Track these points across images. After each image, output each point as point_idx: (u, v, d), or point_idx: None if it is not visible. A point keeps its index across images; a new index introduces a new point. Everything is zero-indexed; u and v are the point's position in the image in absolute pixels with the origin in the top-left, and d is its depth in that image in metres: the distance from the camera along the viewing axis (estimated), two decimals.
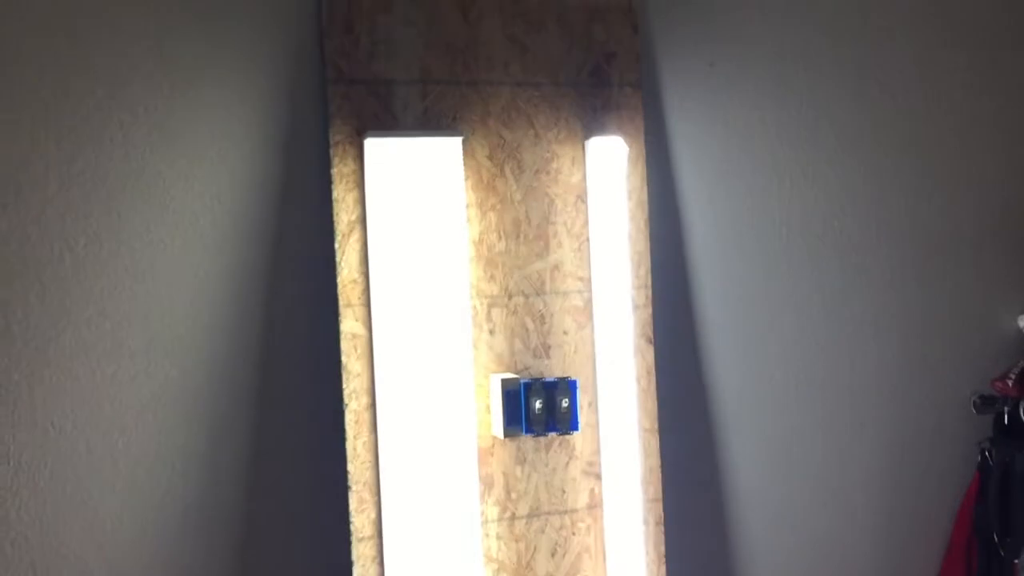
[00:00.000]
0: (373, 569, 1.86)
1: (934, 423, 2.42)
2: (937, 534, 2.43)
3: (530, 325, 1.99)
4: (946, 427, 2.42)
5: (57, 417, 1.78)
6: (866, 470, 2.37)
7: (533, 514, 1.98)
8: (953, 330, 2.43)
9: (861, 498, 2.37)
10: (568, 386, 1.93)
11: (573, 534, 2.01)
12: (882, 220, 2.34)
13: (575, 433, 1.97)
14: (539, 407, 1.91)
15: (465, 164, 1.93)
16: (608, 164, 2.01)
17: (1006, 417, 2.33)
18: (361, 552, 1.85)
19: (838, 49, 2.28)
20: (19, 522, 1.77)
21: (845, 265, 2.31)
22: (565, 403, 1.93)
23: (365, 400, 1.86)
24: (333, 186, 1.85)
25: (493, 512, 1.96)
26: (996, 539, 2.33)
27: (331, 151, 1.84)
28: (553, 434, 1.94)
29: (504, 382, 1.91)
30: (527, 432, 1.91)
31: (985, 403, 2.35)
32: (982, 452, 2.38)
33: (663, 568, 2.06)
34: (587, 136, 2.01)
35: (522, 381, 1.92)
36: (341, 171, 1.85)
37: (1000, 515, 2.32)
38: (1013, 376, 2.31)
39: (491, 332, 1.96)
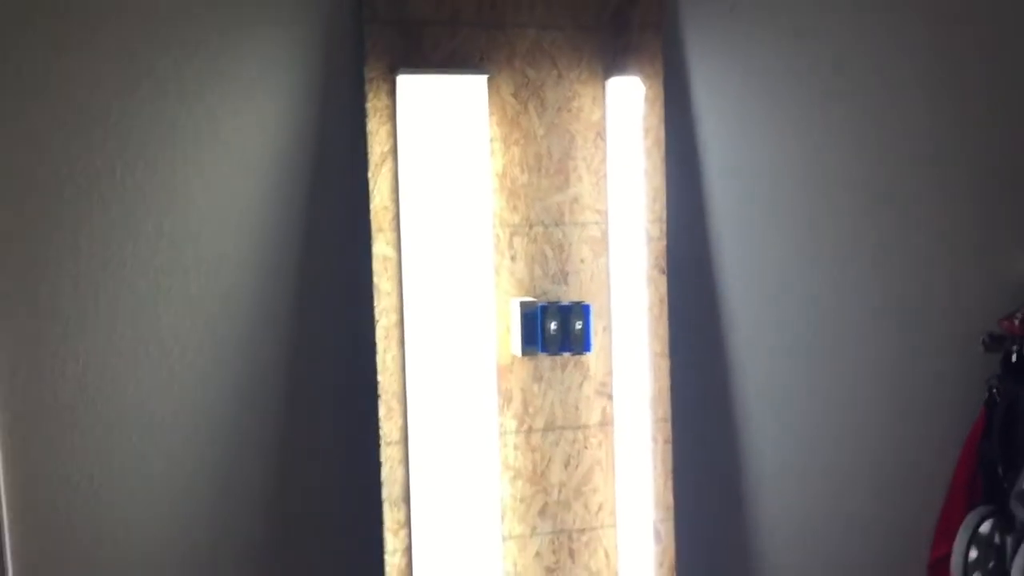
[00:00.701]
0: (399, 470, 2.04)
1: (944, 360, 2.51)
2: (944, 468, 2.53)
3: (549, 253, 2.13)
4: (956, 365, 2.51)
5: (119, 324, 1.99)
6: (875, 403, 2.48)
7: (548, 428, 2.15)
8: (966, 270, 2.50)
9: (871, 430, 2.48)
10: (582, 310, 2.08)
11: (585, 448, 2.17)
12: (899, 156, 2.41)
13: (588, 354, 2.12)
14: (554, 328, 2.06)
15: (490, 101, 2.07)
16: (627, 103, 2.13)
17: (1014, 356, 2.41)
18: (389, 455, 2.04)
19: None
20: (86, 416, 1.98)
21: (860, 202, 2.40)
22: (579, 325, 2.08)
23: (394, 317, 2.03)
24: (367, 119, 2.00)
25: (511, 424, 2.12)
26: (1000, 472, 2.42)
27: (366, 87, 2.00)
28: (567, 354, 2.09)
29: (523, 304, 2.07)
30: (542, 351, 2.07)
31: (994, 342, 2.43)
32: (989, 389, 2.46)
33: (670, 483, 2.21)
34: (607, 76, 2.13)
35: (539, 304, 2.07)
36: (375, 105, 2.00)
37: (1003, 449, 2.41)
38: (1020, 316, 2.38)
39: (512, 259, 2.11)
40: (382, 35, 2.00)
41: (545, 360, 2.13)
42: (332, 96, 2.04)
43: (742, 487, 2.38)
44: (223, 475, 2.05)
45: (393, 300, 2.03)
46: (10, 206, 1.91)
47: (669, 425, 2.21)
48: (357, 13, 2.02)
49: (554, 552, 2.16)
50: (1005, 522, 2.32)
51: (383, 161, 2.01)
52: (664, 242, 2.19)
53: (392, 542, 2.04)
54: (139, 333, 2.00)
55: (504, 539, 2.12)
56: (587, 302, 2.11)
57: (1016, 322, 2.38)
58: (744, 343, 2.34)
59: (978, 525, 2.34)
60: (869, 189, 2.41)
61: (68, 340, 1.96)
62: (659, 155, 2.18)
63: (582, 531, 2.17)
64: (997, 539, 2.34)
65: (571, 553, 2.17)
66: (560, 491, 2.16)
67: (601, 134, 2.14)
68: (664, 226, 2.19)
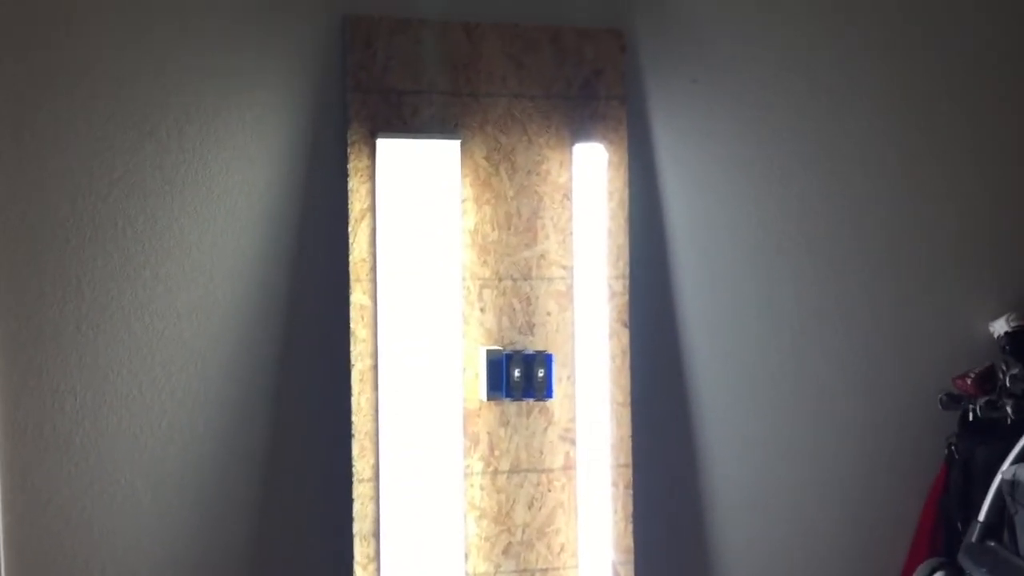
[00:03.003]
0: (370, 507, 2.17)
1: (904, 417, 2.60)
2: (906, 522, 2.60)
3: (517, 305, 2.28)
4: (917, 422, 2.60)
5: (115, 363, 2.15)
6: (837, 462, 2.56)
7: (514, 470, 2.27)
8: (926, 331, 2.61)
9: (833, 481, 2.57)
10: (545, 359, 2.22)
11: (549, 490, 2.29)
12: (855, 223, 2.55)
13: (550, 400, 2.25)
14: (518, 375, 2.20)
15: (464, 164, 2.24)
16: (592, 167, 2.29)
17: (970, 414, 2.49)
18: (361, 492, 2.17)
19: (814, 65, 2.51)
20: (81, 448, 2.14)
21: (818, 264, 2.53)
22: (541, 373, 2.21)
23: (369, 362, 2.18)
24: (349, 178, 2.18)
25: (478, 466, 2.25)
26: (960, 527, 2.49)
27: (348, 149, 2.18)
28: (530, 399, 2.23)
29: (489, 352, 2.21)
30: (507, 396, 2.21)
31: (951, 400, 2.52)
32: (948, 446, 2.55)
33: (630, 526, 2.32)
34: (574, 142, 2.30)
35: (504, 353, 2.21)
36: (356, 166, 2.18)
37: (962, 504, 2.48)
38: (973, 375, 2.48)
39: (482, 310, 2.26)
40: (364, 102, 2.19)
41: (512, 406, 2.26)
42: (317, 156, 2.22)
43: (702, 533, 2.48)
44: (206, 506, 2.19)
45: (368, 346, 2.18)
46: (20, 252, 2.09)
47: (630, 471, 2.32)
48: (342, 82, 2.21)
49: None
50: (957, 574, 2.39)
51: (362, 217, 2.18)
52: (627, 297, 2.33)
53: (361, 575, 2.16)
54: (134, 372, 2.16)
55: None
56: (551, 352, 2.25)
57: (969, 381, 2.48)
58: (705, 395, 2.46)
59: None
60: (827, 251, 2.54)
61: (68, 377, 2.13)
62: (623, 215, 2.33)
63: (545, 571, 2.28)
64: None
65: None
66: (524, 531, 2.27)
67: (568, 195, 2.30)
68: (627, 282, 2.33)
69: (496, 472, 2.26)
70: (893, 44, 2.57)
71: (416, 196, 2.19)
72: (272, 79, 2.20)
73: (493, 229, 2.26)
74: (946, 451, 2.56)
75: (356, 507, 2.16)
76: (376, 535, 2.17)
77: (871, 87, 2.55)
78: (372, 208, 2.18)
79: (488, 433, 2.26)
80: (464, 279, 2.24)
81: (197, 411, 2.19)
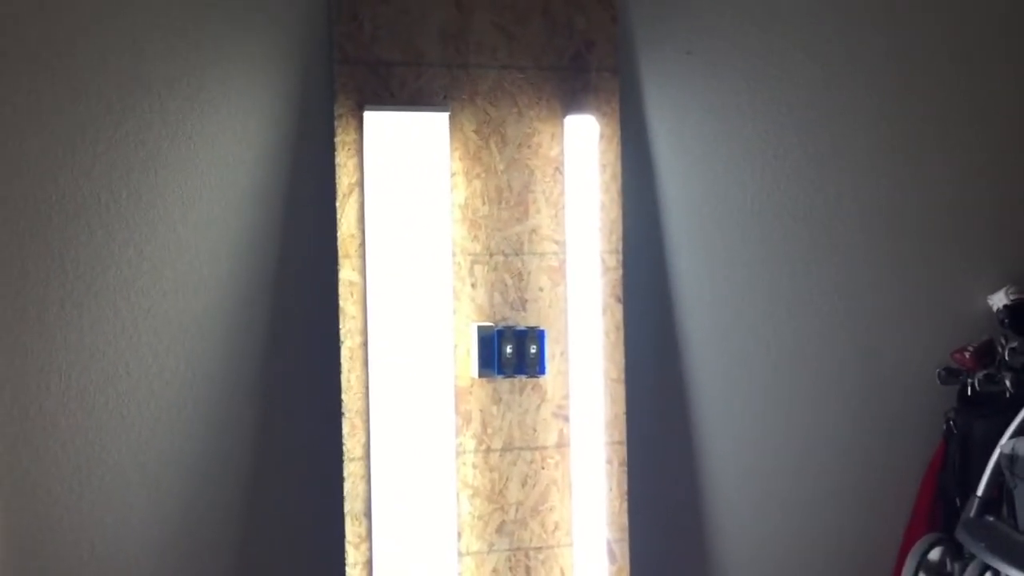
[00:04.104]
0: (361, 486, 2.15)
1: (903, 392, 2.57)
2: (905, 497, 2.58)
3: (509, 281, 2.24)
4: (915, 397, 2.57)
5: (101, 342, 2.12)
6: (834, 437, 2.54)
7: (506, 448, 2.24)
8: (924, 304, 2.58)
9: (830, 457, 2.54)
10: (537, 335, 2.19)
11: (543, 468, 2.26)
12: (852, 197, 2.51)
13: (543, 376, 2.22)
14: (510, 352, 2.17)
15: (454, 137, 2.20)
16: (584, 140, 2.25)
17: (969, 388, 2.47)
18: (352, 471, 2.14)
19: (809, 36, 2.47)
20: (68, 429, 2.11)
21: (815, 237, 2.49)
22: (533, 349, 2.18)
23: (359, 339, 2.15)
24: (336, 152, 2.14)
25: (470, 444, 2.22)
26: (958, 502, 2.47)
27: (335, 122, 2.14)
28: (522, 376, 2.20)
29: (480, 329, 2.18)
30: (499, 373, 2.18)
31: (950, 375, 2.50)
32: (947, 421, 2.52)
33: (625, 504, 2.29)
34: (566, 114, 2.26)
35: (495, 329, 2.18)
36: (343, 140, 2.14)
37: (961, 479, 2.46)
38: (971, 349, 2.45)
39: (473, 286, 2.23)
40: (351, 74, 2.14)
41: (504, 383, 2.23)
42: (304, 130, 2.18)
43: (698, 509, 2.45)
44: (195, 486, 2.17)
45: (358, 323, 2.15)
46: (2, 231, 2.05)
47: (624, 448, 2.29)
48: (328, 54, 2.17)
49: (511, 569, 2.24)
50: (955, 549, 2.37)
51: (350, 192, 2.15)
52: (620, 272, 2.29)
53: (353, 555, 2.14)
54: (120, 351, 2.13)
55: (462, 555, 2.21)
56: (544, 328, 2.21)
57: (967, 355, 2.45)
58: (700, 370, 2.43)
59: (926, 552, 2.40)
60: (824, 224, 2.50)
61: (53, 357, 2.09)
62: (616, 189, 2.29)
63: (539, 549, 2.26)
64: (948, 566, 2.38)
65: (527, 571, 2.25)
66: (517, 510, 2.25)
67: (560, 169, 2.26)
68: (620, 256, 2.29)
69: (489, 450, 2.23)
70: (891, 12, 2.52)
71: (405, 170, 2.15)
72: (257, 52, 2.16)
73: (484, 203, 2.23)
74: (944, 426, 2.53)
75: (347, 486, 2.14)
76: (368, 514, 2.14)
77: (868, 57, 2.51)
78: (360, 183, 2.15)
79: (480, 411, 2.23)
80: (455, 255, 2.20)
81: (185, 391, 2.16)
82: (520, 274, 2.25)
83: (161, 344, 2.15)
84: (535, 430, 2.26)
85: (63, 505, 2.10)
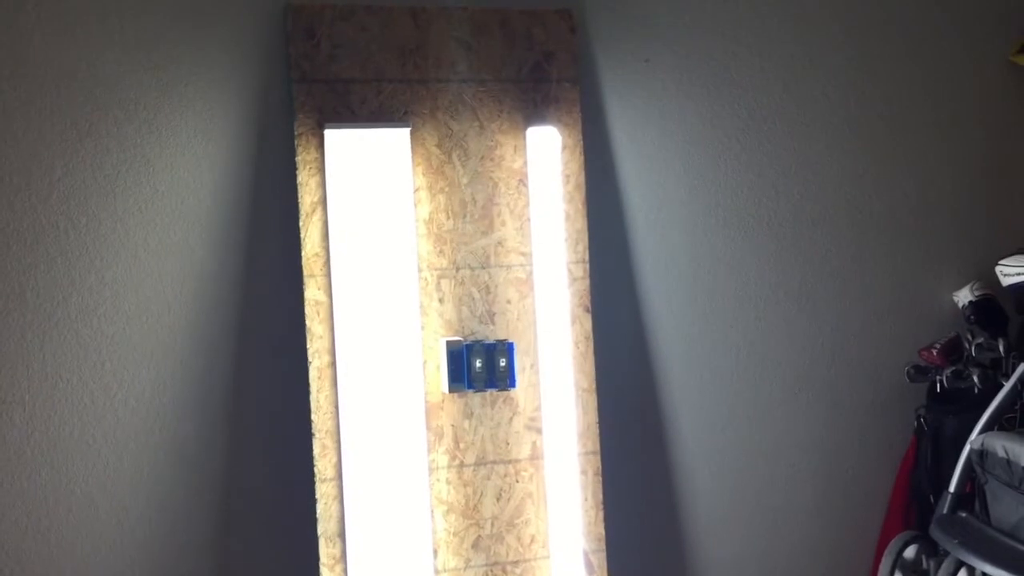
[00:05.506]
0: (334, 507, 2.13)
1: (872, 392, 2.59)
2: (879, 497, 2.60)
3: (476, 295, 2.24)
4: (885, 396, 2.59)
5: (64, 371, 2.09)
6: (807, 439, 2.55)
7: (480, 462, 2.23)
8: (890, 303, 2.59)
9: (805, 458, 2.55)
10: (506, 348, 2.18)
11: (517, 481, 2.25)
12: (815, 199, 2.52)
13: (513, 389, 2.21)
14: (479, 366, 2.16)
15: (416, 152, 2.19)
16: (546, 151, 2.25)
17: (938, 385, 2.48)
18: (324, 492, 2.12)
19: (767, 42, 2.48)
20: (33, 460, 2.08)
21: (780, 240, 2.50)
22: (503, 362, 2.17)
23: (327, 359, 2.13)
24: (297, 171, 2.13)
25: (443, 460, 2.21)
26: (932, 499, 2.48)
27: (296, 141, 2.13)
28: (493, 390, 2.19)
29: (449, 343, 2.17)
30: (469, 387, 2.17)
31: (918, 372, 2.51)
32: (918, 418, 2.54)
33: (601, 514, 2.28)
34: (527, 126, 2.26)
35: (464, 343, 2.17)
36: (304, 158, 2.13)
37: (933, 476, 2.47)
38: (938, 346, 2.47)
39: (441, 300, 2.22)
40: (310, 93, 2.13)
41: (475, 397, 2.22)
42: (264, 150, 2.16)
43: (674, 515, 2.45)
44: (165, 513, 2.14)
45: (325, 342, 2.13)
46: None
47: (598, 458, 2.29)
48: (286, 73, 2.15)
49: None
50: (930, 546, 2.38)
51: (313, 211, 2.13)
52: (588, 281, 2.29)
53: None
54: (84, 379, 2.10)
55: (438, 572, 2.19)
56: (513, 340, 2.21)
57: (935, 352, 2.46)
58: (671, 377, 2.43)
59: (902, 550, 2.40)
60: (788, 227, 2.51)
61: (15, 387, 2.06)
62: (580, 199, 2.29)
63: (516, 563, 2.25)
64: (924, 563, 2.39)
65: None
66: (493, 524, 2.23)
67: (523, 180, 2.26)
68: (587, 266, 2.29)
69: (462, 465, 2.22)
70: (850, 14, 2.54)
71: (368, 187, 2.14)
72: (214, 73, 2.14)
73: (448, 218, 2.22)
74: (915, 423, 2.55)
75: (320, 507, 2.11)
76: (341, 535, 2.12)
77: (827, 60, 2.53)
78: (323, 201, 2.13)
79: (452, 426, 2.21)
80: (421, 270, 2.19)
81: (152, 417, 2.13)
82: (487, 287, 2.24)
83: (126, 371, 2.12)
84: (508, 443, 2.25)
85: (31, 537, 2.06)
